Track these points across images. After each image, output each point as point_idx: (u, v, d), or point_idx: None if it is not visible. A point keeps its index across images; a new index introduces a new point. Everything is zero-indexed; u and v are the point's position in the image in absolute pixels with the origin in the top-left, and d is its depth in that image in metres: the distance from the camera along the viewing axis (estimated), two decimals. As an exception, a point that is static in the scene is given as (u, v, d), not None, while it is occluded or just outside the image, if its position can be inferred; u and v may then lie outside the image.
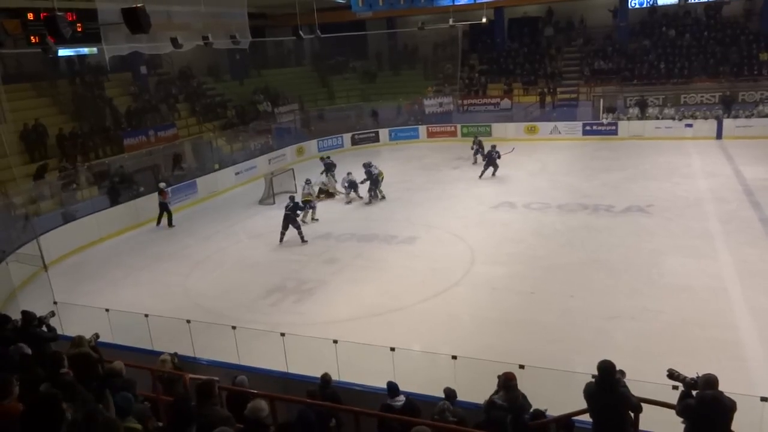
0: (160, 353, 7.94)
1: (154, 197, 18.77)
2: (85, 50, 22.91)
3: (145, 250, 16.42)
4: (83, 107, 22.37)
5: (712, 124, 25.29)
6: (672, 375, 5.48)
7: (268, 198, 20.12)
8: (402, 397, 6.52)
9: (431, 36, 31.82)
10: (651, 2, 30.13)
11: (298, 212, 16.19)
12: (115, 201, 18.57)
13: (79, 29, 15.71)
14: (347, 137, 29.10)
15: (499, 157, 21.18)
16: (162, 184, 18.80)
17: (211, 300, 12.68)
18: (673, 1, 29.52)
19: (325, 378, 7.23)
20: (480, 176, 21.26)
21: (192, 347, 9.40)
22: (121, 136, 21.62)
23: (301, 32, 21.00)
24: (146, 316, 9.85)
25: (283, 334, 8.80)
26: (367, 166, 19.48)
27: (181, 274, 14.39)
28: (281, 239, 16.00)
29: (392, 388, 6.61)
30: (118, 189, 18.87)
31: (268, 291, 12.88)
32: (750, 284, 11.38)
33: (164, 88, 26.51)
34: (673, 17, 30.60)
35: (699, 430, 5.13)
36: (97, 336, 7.52)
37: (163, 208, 18.38)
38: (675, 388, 6.26)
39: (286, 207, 16.01)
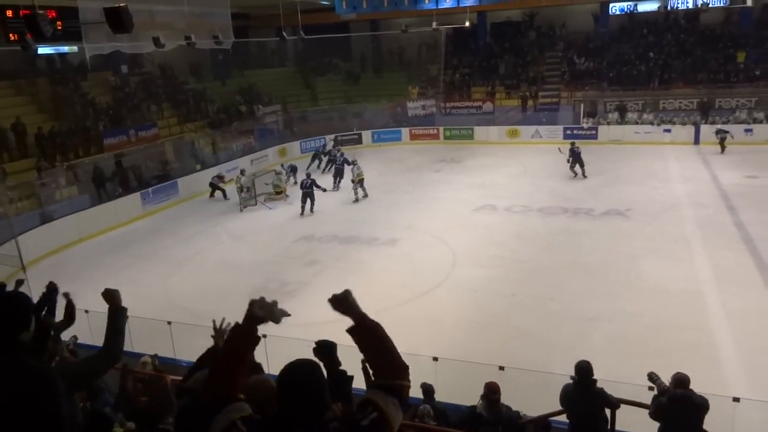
0: (141, 355, 7.87)
1: (134, 197, 18.94)
2: (66, 49, 22.66)
3: (125, 251, 16.28)
4: (63, 106, 22.13)
5: (689, 129, 25.70)
6: (651, 378, 5.60)
7: (250, 199, 20.04)
8: None
9: (415, 38, 31.94)
10: (631, 8, 30.62)
11: (316, 188, 18.60)
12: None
13: (60, 27, 15.54)
14: (330, 138, 29.10)
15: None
16: (219, 173, 21.89)
17: (192, 301, 12.57)
18: (653, 8, 30.04)
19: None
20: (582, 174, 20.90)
21: (173, 348, 9.35)
22: (101, 136, 21.41)
23: (284, 33, 20.98)
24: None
25: (264, 336, 8.78)
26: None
27: (162, 274, 14.29)
28: (302, 212, 18.40)
29: None
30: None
31: (250, 292, 12.70)
32: (725, 287, 11.59)
33: (145, 87, 26.31)
34: (653, 23, 31.08)
35: (672, 429, 5.25)
36: (75, 338, 7.41)
37: (215, 187, 21.31)
38: (651, 389, 6.39)
39: (305, 185, 18.49)
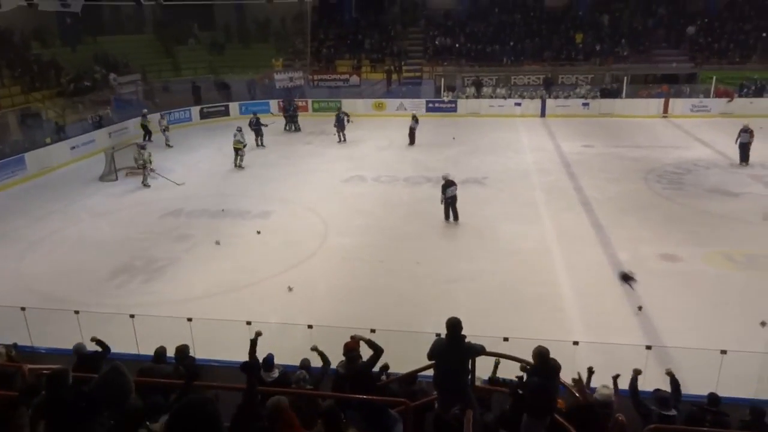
0: (-5, 345, 7.41)
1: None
2: None
3: (-35, 234, 14.83)
4: None
5: (537, 103, 28.06)
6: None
7: (110, 174, 18.96)
8: (276, 372, 6.60)
9: (280, 10, 31.46)
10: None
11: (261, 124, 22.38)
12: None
13: None
14: (195, 110, 28.05)
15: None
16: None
17: (49, 284, 11.89)
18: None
19: (160, 351, 7.06)
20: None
21: (29, 336, 8.84)
22: (-73, 106, 19.06)
23: (140, -2, 19.83)
24: (-29, 305, 9.10)
25: (132, 316, 8.61)
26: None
27: (13, 257, 13.27)
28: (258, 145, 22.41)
29: (268, 362, 6.62)
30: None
31: (113, 272, 12.32)
32: (566, 245, 13.07)
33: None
34: (503, 4, 33.08)
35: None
36: None
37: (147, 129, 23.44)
38: (506, 339, 7.13)
39: (251, 123, 22.30)
